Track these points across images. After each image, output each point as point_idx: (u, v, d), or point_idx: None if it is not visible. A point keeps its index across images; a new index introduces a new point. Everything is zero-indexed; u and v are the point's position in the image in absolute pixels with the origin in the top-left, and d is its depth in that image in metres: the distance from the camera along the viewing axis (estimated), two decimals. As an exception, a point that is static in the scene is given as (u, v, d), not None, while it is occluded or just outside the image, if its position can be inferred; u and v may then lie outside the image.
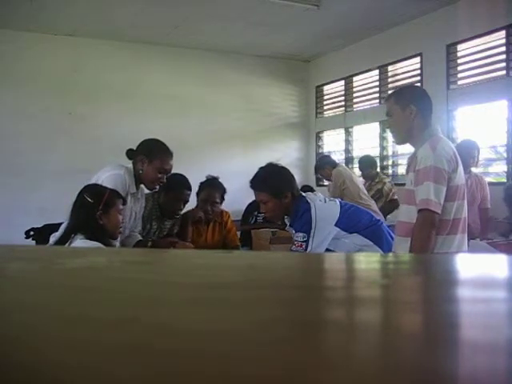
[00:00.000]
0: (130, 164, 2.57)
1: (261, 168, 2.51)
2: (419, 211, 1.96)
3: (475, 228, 3.72)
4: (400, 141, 2.24)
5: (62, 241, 2.10)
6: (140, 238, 2.71)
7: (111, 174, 2.43)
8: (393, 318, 0.35)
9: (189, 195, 2.93)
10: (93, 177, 2.51)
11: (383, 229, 2.46)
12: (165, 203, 2.90)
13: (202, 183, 3.12)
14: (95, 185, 2.26)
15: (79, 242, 2.06)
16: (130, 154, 2.59)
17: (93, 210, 2.11)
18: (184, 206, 2.95)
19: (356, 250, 2.30)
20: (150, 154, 2.53)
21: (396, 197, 4.75)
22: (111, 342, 0.28)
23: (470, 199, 3.84)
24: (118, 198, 2.23)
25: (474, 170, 4.00)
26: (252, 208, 4.51)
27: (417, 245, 1.95)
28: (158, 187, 2.61)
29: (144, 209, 2.80)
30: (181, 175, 2.97)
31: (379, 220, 2.56)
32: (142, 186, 2.62)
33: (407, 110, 2.08)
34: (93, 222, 2.10)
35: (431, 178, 1.94)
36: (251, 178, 2.51)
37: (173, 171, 3.00)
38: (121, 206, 2.23)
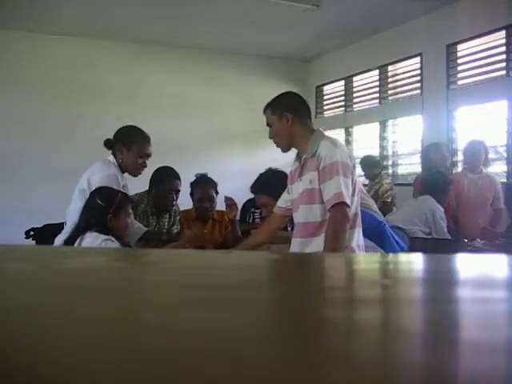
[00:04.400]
0: (110, 156, 2.53)
1: (261, 174, 2.59)
2: (333, 206, 1.89)
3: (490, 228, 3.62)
4: (284, 148, 2.16)
5: (70, 241, 2.11)
6: (145, 228, 2.71)
7: (104, 175, 2.38)
8: (392, 317, 0.35)
9: (178, 184, 2.95)
10: (82, 176, 2.48)
11: (386, 230, 2.46)
12: (157, 197, 2.91)
13: (192, 183, 3.11)
14: (106, 187, 2.27)
15: (92, 236, 2.07)
16: (109, 144, 2.56)
17: (104, 213, 2.13)
18: (177, 196, 2.95)
19: None
20: (128, 142, 2.51)
21: (389, 200, 4.71)
22: (111, 342, 0.28)
23: (481, 200, 3.78)
24: (128, 202, 2.24)
25: (484, 170, 3.94)
26: (249, 205, 4.53)
27: (334, 239, 1.89)
28: (141, 172, 2.57)
29: (138, 206, 2.81)
30: (167, 167, 2.99)
31: (382, 221, 2.56)
32: (126, 174, 2.57)
33: (283, 119, 2.06)
34: (103, 225, 2.12)
35: (340, 172, 1.90)
36: (252, 183, 2.59)
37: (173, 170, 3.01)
38: (130, 210, 2.24)
